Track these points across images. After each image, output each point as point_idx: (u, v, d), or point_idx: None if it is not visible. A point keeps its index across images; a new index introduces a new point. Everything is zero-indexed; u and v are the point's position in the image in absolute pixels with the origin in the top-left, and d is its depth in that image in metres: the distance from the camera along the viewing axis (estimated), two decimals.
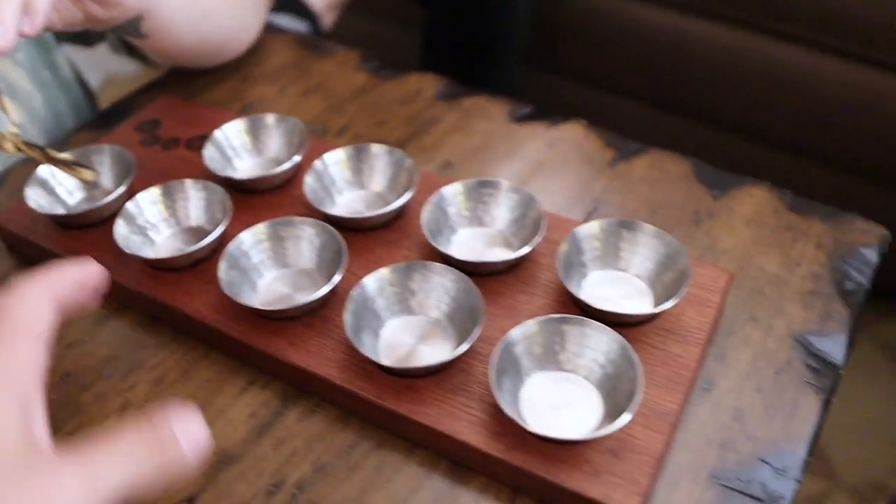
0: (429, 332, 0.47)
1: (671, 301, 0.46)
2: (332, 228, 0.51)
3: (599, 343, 0.44)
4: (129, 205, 0.54)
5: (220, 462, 0.45)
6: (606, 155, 0.62)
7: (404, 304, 0.48)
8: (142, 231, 0.54)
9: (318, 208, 0.53)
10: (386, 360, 0.46)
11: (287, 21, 0.91)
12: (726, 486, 0.43)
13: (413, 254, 0.52)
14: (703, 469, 0.44)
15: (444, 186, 0.53)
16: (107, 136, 0.64)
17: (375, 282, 0.47)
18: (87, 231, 0.55)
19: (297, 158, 0.57)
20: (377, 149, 0.56)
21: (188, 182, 0.55)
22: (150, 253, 0.53)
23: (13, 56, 0.68)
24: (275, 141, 0.60)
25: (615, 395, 0.43)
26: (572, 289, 0.47)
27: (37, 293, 0.34)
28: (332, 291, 0.49)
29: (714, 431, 0.45)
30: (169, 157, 0.61)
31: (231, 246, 0.50)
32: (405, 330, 0.47)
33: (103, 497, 0.30)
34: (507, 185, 0.53)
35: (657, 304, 0.48)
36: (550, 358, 0.45)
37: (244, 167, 0.60)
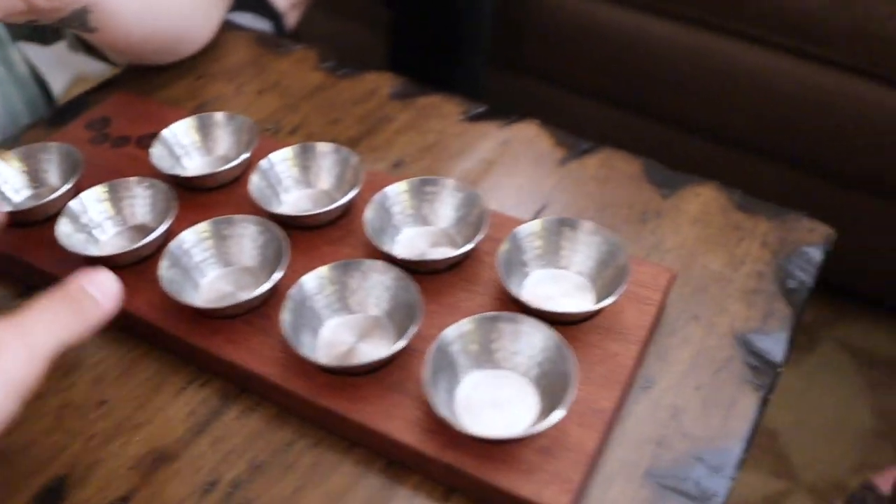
0: (369, 330, 0.47)
1: (610, 298, 0.46)
2: (274, 226, 0.50)
3: (535, 340, 0.44)
4: (73, 203, 0.54)
5: (157, 461, 0.45)
6: (557, 154, 0.63)
7: (344, 302, 0.48)
8: (86, 229, 0.54)
9: (264, 207, 0.53)
10: (325, 359, 0.46)
11: (250, 20, 0.91)
12: (661, 484, 0.43)
13: (357, 252, 0.52)
14: (639, 467, 0.44)
15: (388, 185, 0.53)
16: (57, 134, 0.63)
17: (314, 280, 0.47)
18: (32, 229, 0.55)
19: (245, 156, 0.57)
20: (323, 147, 0.56)
21: (134, 180, 0.55)
22: (93, 251, 0.53)
23: None
24: (224, 139, 0.60)
25: (551, 392, 0.43)
26: (513, 287, 0.47)
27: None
28: (274, 289, 0.49)
29: (651, 429, 0.45)
30: (118, 155, 0.61)
31: (172, 244, 0.50)
32: (345, 328, 0.47)
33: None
34: (451, 183, 0.53)
35: (598, 302, 0.48)
36: (487, 356, 0.45)
37: (193, 165, 0.60)
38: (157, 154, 0.57)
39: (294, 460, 0.44)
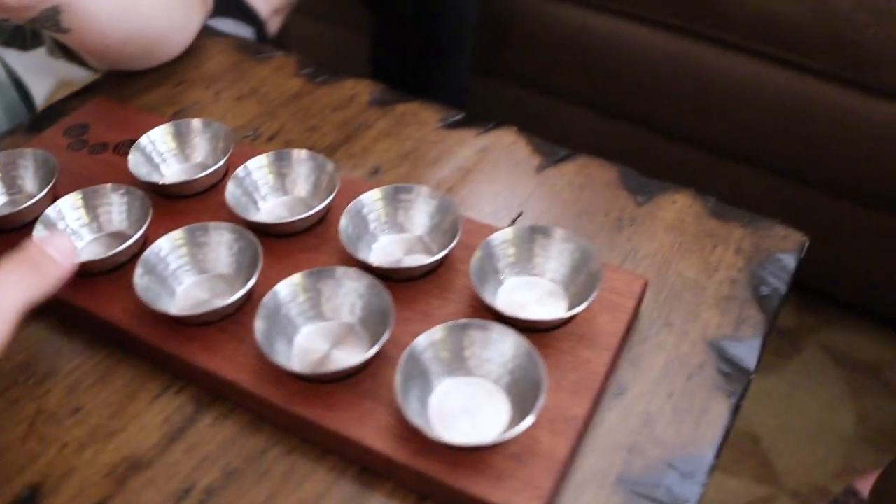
0: (343, 337, 0.47)
1: (581, 305, 0.46)
2: (249, 233, 0.51)
3: (505, 347, 0.44)
4: (50, 210, 0.53)
5: (131, 468, 0.45)
6: (535, 161, 0.63)
7: (318, 309, 0.48)
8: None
9: (240, 214, 0.53)
10: (298, 366, 0.46)
11: (231, 26, 0.91)
12: (633, 491, 0.43)
13: (333, 259, 0.52)
14: (611, 474, 0.44)
15: (364, 192, 0.53)
16: (35, 140, 0.63)
17: (288, 288, 0.47)
18: (9, 235, 0.55)
19: (221, 163, 0.57)
20: (300, 154, 0.56)
21: (110, 187, 0.55)
22: None
23: None
24: (202, 146, 0.60)
25: (522, 399, 0.43)
26: (487, 295, 0.47)
27: None
28: (249, 297, 0.49)
29: (623, 436, 0.46)
30: (96, 161, 0.61)
31: (148, 252, 0.50)
32: (319, 335, 0.47)
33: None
34: (426, 190, 0.53)
35: (571, 309, 0.48)
36: (459, 363, 0.45)
37: (170, 172, 0.60)
38: (134, 161, 0.57)
39: (268, 467, 0.45)
